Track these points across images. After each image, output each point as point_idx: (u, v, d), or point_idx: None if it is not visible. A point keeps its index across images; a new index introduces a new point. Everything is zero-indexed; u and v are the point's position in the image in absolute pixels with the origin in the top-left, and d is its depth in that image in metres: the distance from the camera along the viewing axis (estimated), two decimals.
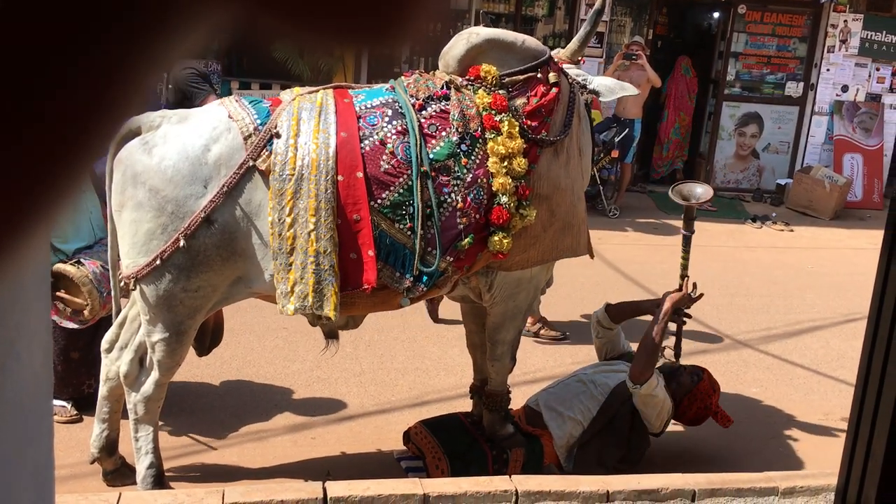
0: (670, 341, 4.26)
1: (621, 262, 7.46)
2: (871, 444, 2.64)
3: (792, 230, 9.74)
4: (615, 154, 9.22)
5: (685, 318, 4.16)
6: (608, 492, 3.31)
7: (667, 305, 3.92)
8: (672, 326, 4.18)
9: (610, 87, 3.75)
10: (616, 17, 10.94)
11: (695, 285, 4.08)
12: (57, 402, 4.00)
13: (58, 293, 3.73)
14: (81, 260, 3.73)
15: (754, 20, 11.11)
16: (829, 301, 6.93)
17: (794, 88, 11.34)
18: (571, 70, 3.70)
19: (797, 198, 10.69)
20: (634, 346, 4.05)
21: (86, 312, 3.71)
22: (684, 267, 4.12)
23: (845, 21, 11.09)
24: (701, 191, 4.21)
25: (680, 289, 4.05)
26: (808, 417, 4.75)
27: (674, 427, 4.28)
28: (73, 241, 3.82)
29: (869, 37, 11.17)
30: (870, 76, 11.31)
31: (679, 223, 9.43)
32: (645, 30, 11.01)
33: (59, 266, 3.66)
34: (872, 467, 2.65)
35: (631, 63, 9.22)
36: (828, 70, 11.23)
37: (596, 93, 3.70)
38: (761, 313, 6.50)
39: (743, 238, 9.31)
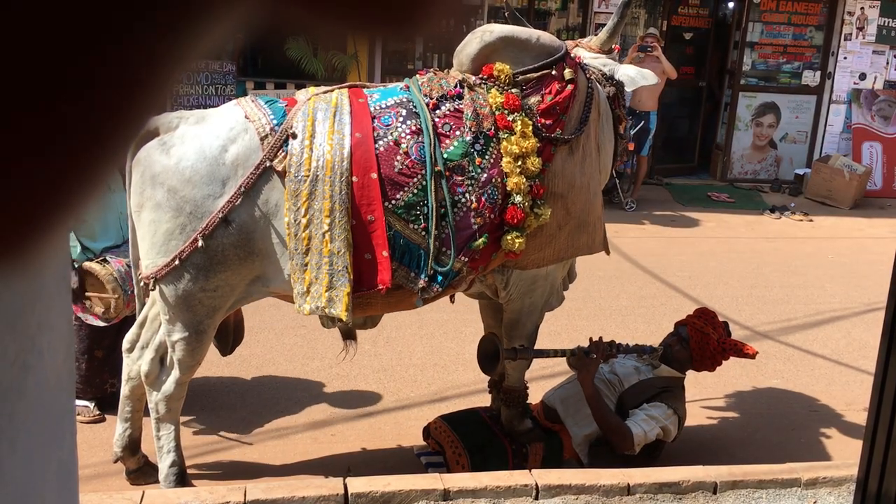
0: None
1: (638, 255, 7.44)
2: (892, 434, 2.62)
3: (811, 220, 9.67)
4: (631, 147, 9.18)
5: (613, 353, 3.82)
6: (629, 485, 3.30)
7: (587, 392, 3.67)
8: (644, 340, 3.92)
9: (632, 77, 3.76)
10: (630, 9, 10.88)
11: (577, 356, 3.70)
12: (80, 403, 4.04)
13: (86, 291, 3.79)
14: (107, 258, 3.80)
15: (769, 9, 11.01)
16: (850, 291, 6.88)
17: (810, 77, 11.24)
18: (598, 60, 3.68)
19: (816, 187, 10.60)
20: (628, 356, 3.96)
21: (111, 310, 3.77)
22: (558, 353, 3.78)
23: (862, 8, 10.98)
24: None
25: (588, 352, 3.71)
26: (831, 408, 4.72)
27: (694, 421, 4.26)
28: (101, 239, 3.89)
29: (886, 24, 11.05)
30: (888, 63, 11.19)
31: (694, 215, 9.38)
32: (659, 21, 10.95)
33: (86, 264, 3.76)
34: (893, 457, 2.63)
35: (646, 55, 9.17)
36: (845, 58, 11.11)
37: (619, 83, 3.70)
38: (781, 304, 6.46)
39: (762, 229, 9.24)
